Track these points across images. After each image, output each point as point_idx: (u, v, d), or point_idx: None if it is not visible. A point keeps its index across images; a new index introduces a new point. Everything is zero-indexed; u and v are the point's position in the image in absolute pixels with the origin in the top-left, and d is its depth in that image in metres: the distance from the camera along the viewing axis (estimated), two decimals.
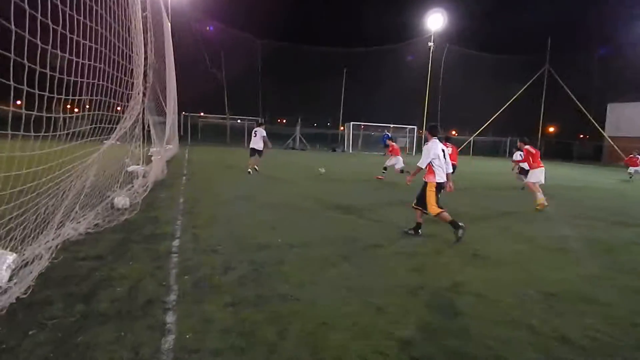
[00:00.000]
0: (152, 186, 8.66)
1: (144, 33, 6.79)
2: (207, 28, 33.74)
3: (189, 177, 11.40)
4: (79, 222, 5.18)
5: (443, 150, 6.14)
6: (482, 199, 10.53)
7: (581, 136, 46.87)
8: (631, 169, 20.29)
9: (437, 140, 6.23)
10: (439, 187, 6.05)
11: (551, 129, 48.49)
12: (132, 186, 8.12)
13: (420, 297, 3.79)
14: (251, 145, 13.37)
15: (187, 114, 31.88)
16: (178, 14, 27.42)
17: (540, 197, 9.22)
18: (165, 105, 14.27)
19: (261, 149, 13.35)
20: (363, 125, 35.79)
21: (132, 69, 5.38)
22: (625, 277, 4.69)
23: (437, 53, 35.89)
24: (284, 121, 50.90)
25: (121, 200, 6.51)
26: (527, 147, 10.09)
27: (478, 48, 38.77)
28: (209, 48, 33.43)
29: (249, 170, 12.98)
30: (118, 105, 5.47)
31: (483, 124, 38.79)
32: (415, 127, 35.34)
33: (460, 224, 5.82)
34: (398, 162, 14.06)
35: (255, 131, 13.51)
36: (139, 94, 6.04)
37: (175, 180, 10.36)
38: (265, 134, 13.43)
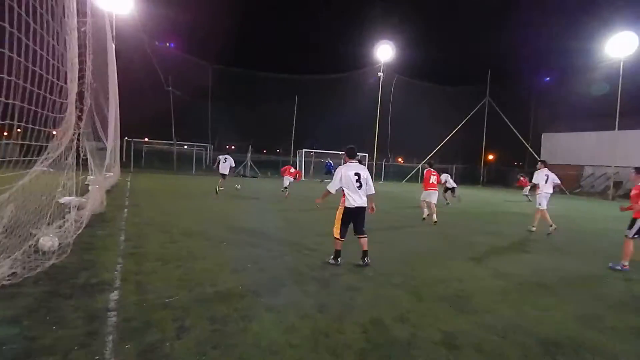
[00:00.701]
0: (88, 221, 7.58)
1: (82, 48, 5.95)
2: (159, 44, 32.45)
3: (132, 208, 10.28)
4: None
5: (358, 174, 5.84)
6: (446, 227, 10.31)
7: (516, 163, 49.66)
8: (525, 190, 22.52)
9: (353, 164, 5.99)
10: (348, 212, 5.81)
11: (491, 157, 51.01)
12: (64, 222, 7.03)
13: (415, 357, 3.22)
14: (221, 171, 15.64)
15: (130, 139, 30.06)
16: (125, 36, 26.14)
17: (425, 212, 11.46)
18: (106, 130, 13.10)
19: (227, 174, 15.79)
20: (313, 152, 35.60)
21: (64, 87, 4.53)
22: (615, 315, 4.42)
23: (387, 83, 36.86)
24: (233, 147, 49.78)
25: (48, 241, 5.45)
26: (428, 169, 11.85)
27: (425, 79, 40.37)
28: (157, 70, 32.03)
29: (218, 189, 15.18)
30: (51, 129, 4.61)
31: (430, 152, 40.04)
32: (366, 154, 35.63)
33: (339, 259, 5.82)
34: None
35: (226, 158, 15.87)
36: (72, 115, 5.16)
37: (115, 213, 9.25)
38: (233, 161, 16.12)
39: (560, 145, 38.84)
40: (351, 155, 6.08)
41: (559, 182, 10.76)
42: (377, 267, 5.78)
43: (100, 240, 6.45)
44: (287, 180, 16.64)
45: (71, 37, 4.94)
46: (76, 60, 5.23)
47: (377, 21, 55.49)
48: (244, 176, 31.57)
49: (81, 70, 5.89)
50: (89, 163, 8.40)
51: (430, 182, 11.32)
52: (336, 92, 39.06)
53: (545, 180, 10.36)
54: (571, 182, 35.90)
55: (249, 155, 33.07)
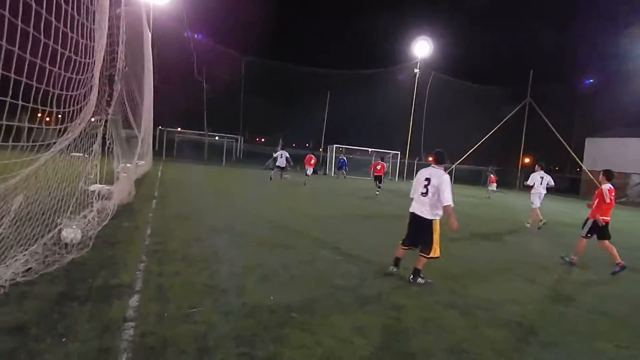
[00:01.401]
0: (114, 212, 7.32)
1: (113, 29, 5.62)
2: (195, 35, 32.55)
3: (160, 200, 10.04)
4: (6, 264, 3.86)
5: (428, 180, 5.26)
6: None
7: (557, 168, 47.46)
8: (491, 186, 23.41)
9: (428, 169, 5.41)
10: (410, 217, 5.39)
11: (529, 161, 48.97)
12: (90, 211, 6.78)
13: None
14: (278, 164, 19.07)
15: (163, 128, 30.35)
16: (161, 25, 26.28)
17: None
18: (138, 118, 12.97)
19: (283, 166, 19.05)
20: (343, 148, 34.94)
21: (90, 63, 4.15)
22: None
23: (423, 80, 35.77)
24: (263, 140, 49.81)
25: (70, 233, 5.15)
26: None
27: (463, 77, 38.98)
28: (191, 61, 32.18)
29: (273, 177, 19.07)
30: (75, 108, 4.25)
31: (464, 152, 38.69)
32: (398, 152, 34.72)
33: (392, 268, 5.41)
34: None
35: (282, 154, 18.93)
36: (94, 97, 4.81)
37: (143, 205, 9.00)
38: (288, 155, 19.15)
39: (604, 151, 36.70)
40: (439, 160, 5.47)
41: (553, 184, 11.70)
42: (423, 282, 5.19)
43: (124, 234, 6.13)
44: (309, 170, 19.80)
45: (101, 14, 4.56)
46: (104, 40, 4.87)
47: (416, 16, 54.16)
48: (272, 169, 31.30)
49: (112, 53, 5.57)
50: (115, 151, 8.16)
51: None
52: (370, 88, 38.29)
53: (540, 181, 11.42)
54: (617, 190, 33.87)
55: (279, 148, 32.76)
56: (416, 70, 34.74)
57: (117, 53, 6.24)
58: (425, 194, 5.18)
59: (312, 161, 20.32)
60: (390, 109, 37.67)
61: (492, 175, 24.16)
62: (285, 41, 60.13)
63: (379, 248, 6.73)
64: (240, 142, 41.65)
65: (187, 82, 34.17)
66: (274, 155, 19.85)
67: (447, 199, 5.05)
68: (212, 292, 4.10)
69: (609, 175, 7.25)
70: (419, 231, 5.27)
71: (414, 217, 5.29)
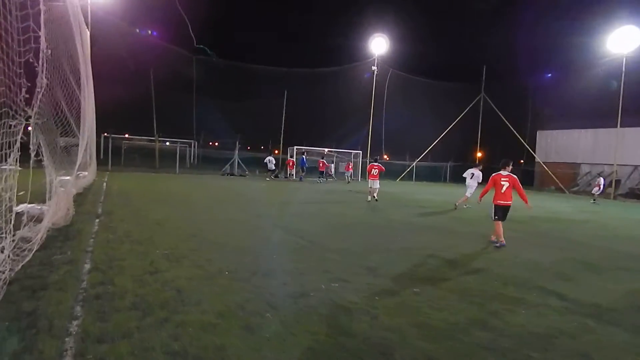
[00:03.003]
0: (44, 239, 5.83)
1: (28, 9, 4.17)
2: (138, 31, 30.13)
3: (105, 218, 8.47)
4: None
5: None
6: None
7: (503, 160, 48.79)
8: (346, 173, 28.80)
9: None
10: None
11: (485, 155, 50.08)
12: (13, 240, 5.27)
13: None
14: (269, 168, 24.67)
15: (108, 135, 27.87)
16: (101, 22, 23.98)
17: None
18: (78, 124, 11.23)
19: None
20: (304, 149, 33.86)
21: None
22: None
23: (381, 77, 35.32)
24: (216, 144, 47.65)
25: None
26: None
27: (420, 74, 39.00)
28: (137, 61, 29.86)
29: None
30: None
31: (423, 149, 38.77)
32: (360, 152, 34.06)
33: None
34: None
35: (270, 159, 24.46)
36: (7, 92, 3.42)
37: (84, 226, 7.46)
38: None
39: (555, 143, 38.00)
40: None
41: (480, 180, 15.40)
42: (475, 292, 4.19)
43: (54, 273, 4.70)
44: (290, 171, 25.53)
45: None
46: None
47: (371, 13, 54.00)
48: (232, 174, 29.69)
49: (25, 31, 4.13)
50: (46, 162, 6.62)
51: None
52: (328, 87, 37.42)
53: (471, 176, 15.40)
54: (568, 180, 35.07)
55: (236, 152, 31.11)
56: (374, 68, 34.23)
57: (36, 35, 4.78)
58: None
59: (291, 163, 26.17)
60: (350, 108, 36.98)
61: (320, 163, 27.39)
62: (239, 39, 58.14)
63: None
64: (194, 146, 39.48)
65: (133, 84, 31.74)
66: (265, 161, 25.67)
67: None
68: None
69: (503, 164, 8.39)
70: None
71: None
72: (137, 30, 29.77)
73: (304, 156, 29.60)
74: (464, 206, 14.91)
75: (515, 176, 8.19)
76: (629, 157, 30.50)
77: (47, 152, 7.45)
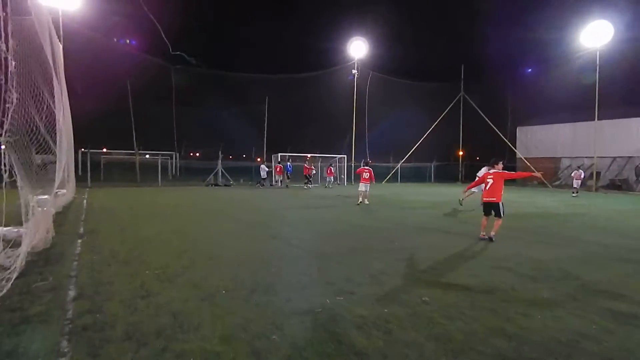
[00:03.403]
0: (23, 265, 5.42)
1: None
2: (126, 41, 29.37)
3: (88, 238, 8.03)
4: None
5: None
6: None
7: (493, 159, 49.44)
8: (328, 179, 29.36)
9: None
10: None
11: (468, 154, 50.59)
12: None
13: None
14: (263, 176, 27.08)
15: (86, 150, 27.07)
16: (74, 34, 23.30)
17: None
18: (55, 140, 10.72)
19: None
20: (289, 157, 33.53)
21: None
22: None
23: (362, 81, 35.32)
24: (197, 154, 46.93)
25: None
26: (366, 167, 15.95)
27: (400, 76, 39.18)
28: (112, 73, 29.15)
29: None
30: None
31: (407, 150, 38.89)
32: (345, 156, 33.91)
33: None
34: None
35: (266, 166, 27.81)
36: None
37: (66, 248, 7.02)
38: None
39: (535, 138, 38.59)
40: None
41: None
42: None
43: (35, 303, 4.31)
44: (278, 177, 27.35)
45: None
46: None
47: (348, 16, 54.12)
48: (216, 185, 29.17)
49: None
50: (19, 181, 6.20)
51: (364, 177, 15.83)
52: (309, 92, 37.26)
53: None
54: (549, 175, 35.56)
55: (219, 162, 30.58)
56: (354, 71, 34.20)
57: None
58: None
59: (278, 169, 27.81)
60: (333, 112, 36.88)
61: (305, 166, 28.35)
62: (217, 47, 57.59)
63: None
64: (176, 158, 38.76)
65: (110, 97, 31.00)
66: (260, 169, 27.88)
67: None
68: None
69: (492, 162, 8.63)
70: None
71: None
72: (115, 40, 29.05)
73: (288, 163, 29.59)
74: (460, 199, 15.74)
75: (503, 171, 8.52)
76: (608, 149, 31.14)
77: (21, 171, 7.03)
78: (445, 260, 6.65)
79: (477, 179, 14.06)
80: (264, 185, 28.25)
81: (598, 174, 31.07)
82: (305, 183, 28.39)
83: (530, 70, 39.95)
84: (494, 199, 8.30)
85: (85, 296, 4.55)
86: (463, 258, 6.91)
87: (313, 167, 28.84)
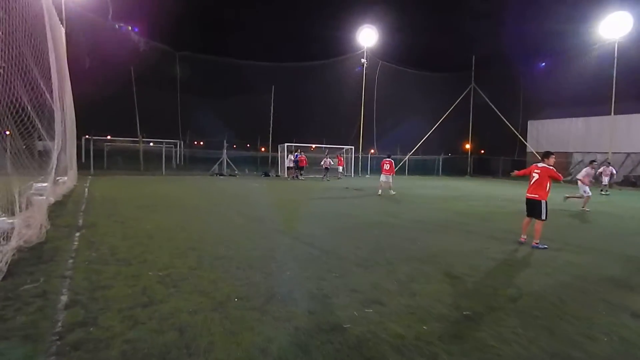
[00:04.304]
0: (9, 262, 4.87)
1: None
2: (129, 28, 28.62)
3: (86, 232, 7.47)
4: None
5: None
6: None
7: (501, 152, 48.53)
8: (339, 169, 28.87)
9: None
10: None
11: (478, 147, 49.69)
12: None
13: None
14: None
15: (89, 137, 26.54)
16: (78, 18, 22.65)
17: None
18: (52, 127, 10.14)
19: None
20: (299, 147, 32.79)
21: None
22: None
23: (371, 70, 34.49)
24: (202, 143, 46.35)
25: None
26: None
27: (410, 65, 38.29)
28: (116, 59, 28.47)
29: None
30: None
31: (415, 142, 38.15)
32: (352, 147, 33.20)
33: None
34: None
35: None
36: None
37: (61, 243, 6.46)
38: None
39: (547, 132, 37.73)
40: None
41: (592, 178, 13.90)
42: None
43: (22, 311, 3.74)
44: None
45: None
46: None
47: (358, 4, 52.87)
48: (221, 175, 28.62)
49: None
50: (9, 169, 5.64)
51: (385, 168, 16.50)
52: (317, 81, 36.42)
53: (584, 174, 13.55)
54: (561, 170, 34.67)
55: (224, 151, 29.98)
56: (363, 60, 33.36)
57: None
58: None
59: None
60: (341, 102, 36.07)
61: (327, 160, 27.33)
62: (222, 34, 56.63)
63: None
64: (180, 146, 38.17)
65: (114, 83, 30.35)
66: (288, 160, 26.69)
67: None
68: None
69: (543, 155, 7.75)
70: None
71: None
72: (117, 26, 28.25)
73: (297, 153, 28.20)
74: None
75: (551, 168, 7.49)
76: (622, 145, 30.32)
77: (15, 158, 6.47)
78: (476, 264, 6.04)
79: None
80: (298, 177, 27.12)
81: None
82: (294, 176, 27.12)
83: (544, 64, 38.76)
84: (537, 195, 7.41)
85: (80, 303, 3.99)
86: (494, 261, 6.30)
87: (329, 158, 27.66)
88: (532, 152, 36.82)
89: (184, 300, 4.15)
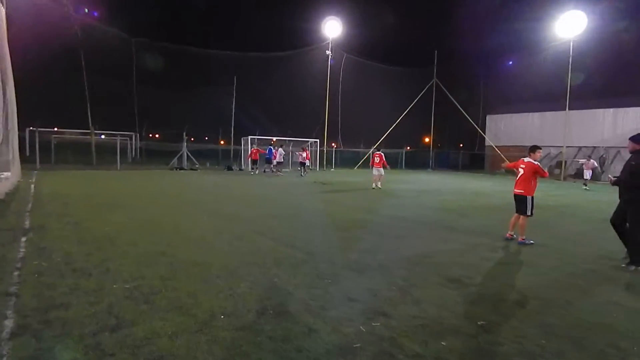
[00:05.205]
0: None
1: None
2: (68, 10, 26.27)
3: (35, 235, 6.55)
4: None
5: None
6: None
7: (461, 145, 49.76)
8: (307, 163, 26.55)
9: None
10: None
11: (439, 141, 50.56)
12: None
13: None
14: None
15: (34, 128, 24.47)
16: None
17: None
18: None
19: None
20: (257, 139, 31.87)
21: None
22: None
23: (336, 63, 34.06)
24: (157, 136, 44.29)
25: None
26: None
27: (374, 59, 38.18)
28: (64, 44, 26.33)
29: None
30: None
31: (378, 135, 38.23)
32: (317, 140, 32.72)
33: None
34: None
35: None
36: None
37: (4, 251, 5.55)
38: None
39: (505, 126, 38.93)
40: None
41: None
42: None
43: None
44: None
45: None
46: None
47: None
48: (181, 169, 27.33)
49: None
50: None
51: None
52: (281, 72, 35.52)
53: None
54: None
55: (184, 144, 28.61)
56: (328, 52, 32.87)
57: None
58: None
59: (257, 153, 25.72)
60: (305, 94, 35.38)
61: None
62: (183, 22, 54.28)
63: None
64: (136, 139, 36.15)
65: (62, 71, 28.15)
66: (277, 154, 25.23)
67: None
68: None
69: (529, 149, 7.43)
70: None
71: None
72: (66, 10, 26.06)
73: (271, 147, 27.01)
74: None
75: (536, 163, 7.24)
76: (574, 139, 31.70)
77: None
78: (470, 265, 5.74)
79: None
80: (279, 172, 25.82)
81: (565, 162, 31.63)
82: (271, 170, 26.10)
83: (511, 62, 39.84)
84: (522, 191, 7.23)
85: (29, 329, 3.26)
86: (488, 261, 6.05)
87: (307, 151, 25.82)
88: (491, 146, 37.92)
89: (160, 320, 3.51)
